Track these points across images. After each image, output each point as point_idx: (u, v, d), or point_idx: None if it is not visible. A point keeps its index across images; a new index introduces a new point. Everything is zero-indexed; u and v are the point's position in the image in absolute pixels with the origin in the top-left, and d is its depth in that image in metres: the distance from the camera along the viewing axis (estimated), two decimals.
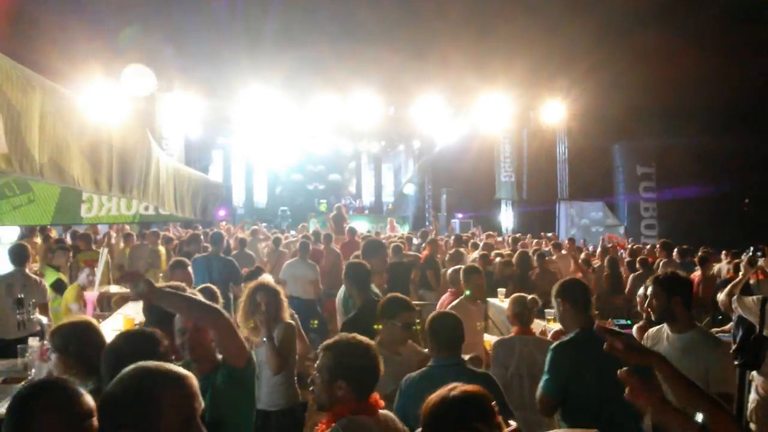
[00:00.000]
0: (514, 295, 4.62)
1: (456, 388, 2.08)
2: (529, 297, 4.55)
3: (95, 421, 1.72)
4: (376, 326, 3.67)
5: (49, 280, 6.40)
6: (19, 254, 6.08)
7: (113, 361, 2.43)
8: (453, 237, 12.67)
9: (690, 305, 3.70)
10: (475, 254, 10.28)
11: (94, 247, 9.11)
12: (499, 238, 15.08)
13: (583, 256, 10.92)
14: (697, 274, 9.64)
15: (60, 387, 1.77)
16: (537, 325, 6.79)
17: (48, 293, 6.40)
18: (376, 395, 2.53)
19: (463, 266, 5.71)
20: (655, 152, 21.01)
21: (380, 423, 2.45)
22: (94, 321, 3.12)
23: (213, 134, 22.09)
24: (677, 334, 3.58)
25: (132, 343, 2.55)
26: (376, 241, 5.83)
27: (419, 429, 2.11)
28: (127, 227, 10.93)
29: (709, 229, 12.37)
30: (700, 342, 3.55)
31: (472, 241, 12.43)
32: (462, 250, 9.62)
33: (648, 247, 12.89)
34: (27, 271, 6.20)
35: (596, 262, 10.75)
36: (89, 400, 1.77)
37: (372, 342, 2.64)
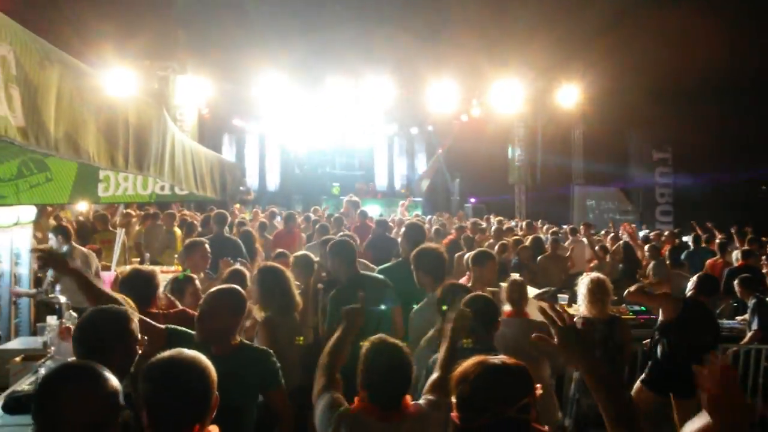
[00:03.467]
0: (510, 279, 4.62)
1: (492, 358, 2.03)
2: (518, 279, 4.56)
3: (120, 399, 1.77)
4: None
5: None
6: (66, 231, 6.58)
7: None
8: (470, 222, 12.65)
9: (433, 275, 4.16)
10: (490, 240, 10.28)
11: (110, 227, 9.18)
12: (513, 223, 15.03)
13: (601, 241, 10.86)
14: (720, 261, 9.52)
15: (87, 369, 1.79)
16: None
17: (96, 262, 6.80)
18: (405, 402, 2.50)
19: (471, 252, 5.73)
20: (671, 137, 20.77)
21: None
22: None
23: (226, 117, 22.12)
24: None
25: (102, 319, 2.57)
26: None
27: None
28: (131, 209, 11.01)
29: (725, 216, 12.22)
30: None
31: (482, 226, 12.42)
32: (469, 234, 9.63)
33: (667, 233, 12.76)
34: (76, 245, 6.65)
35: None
36: (114, 381, 1.79)
37: (400, 344, 2.61)
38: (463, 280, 5.51)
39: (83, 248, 6.76)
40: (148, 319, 2.90)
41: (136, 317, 2.59)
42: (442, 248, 4.56)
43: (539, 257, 9.10)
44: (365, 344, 2.57)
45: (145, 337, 2.55)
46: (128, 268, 4.10)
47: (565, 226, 14.62)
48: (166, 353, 2.00)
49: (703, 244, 10.64)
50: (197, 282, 4.55)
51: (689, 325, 4.93)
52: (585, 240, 10.51)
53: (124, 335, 2.45)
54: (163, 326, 2.91)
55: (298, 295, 4.05)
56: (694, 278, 5.35)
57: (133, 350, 2.48)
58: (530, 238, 9.85)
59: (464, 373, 1.99)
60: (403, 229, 5.72)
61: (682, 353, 4.85)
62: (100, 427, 1.69)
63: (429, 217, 16.01)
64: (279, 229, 10.03)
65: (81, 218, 10.03)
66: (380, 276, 4.66)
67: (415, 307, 4.29)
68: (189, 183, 4.17)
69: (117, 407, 1.74)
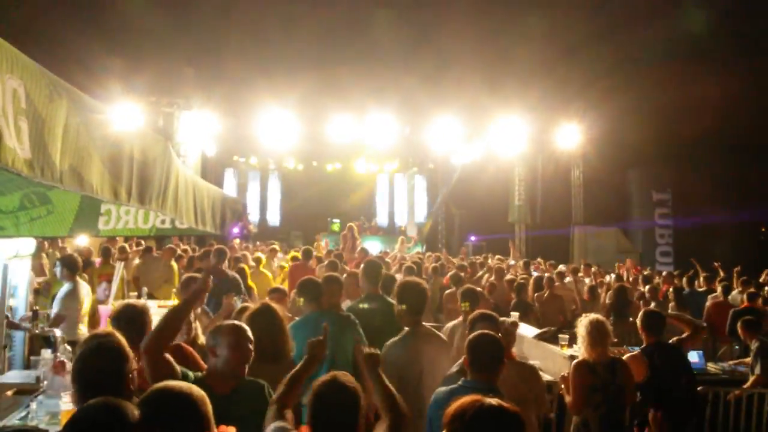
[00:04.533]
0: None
1: (489, 400, 2.00)
2: (509, 321, 4.52)
3: None
4: None
5: (54, 290, 6.68)
6: (75, 265, 6.40)
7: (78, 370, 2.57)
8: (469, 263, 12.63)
9: (412, 310, 4.17)
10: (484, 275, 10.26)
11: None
12: (512, 262, 14.98)
13: (589, 283, 10.81)
14: (722, 300, 9.43)
15: (112, 405, 1.91)
16: (548, 349, 6.75)
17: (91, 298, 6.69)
18: None
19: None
20: (671, 178, 20.89)
21: None
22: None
23: (229, 153, 22.29)
24: None
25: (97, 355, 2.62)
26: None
27: None
28: (142, 242, 11.03)
29: (725, 257, 12.22)
30: None
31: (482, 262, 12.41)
32: (461, 273, 9.61)
33: (665, 274, 12.73)
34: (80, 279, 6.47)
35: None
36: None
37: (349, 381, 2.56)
38: (459, 320, 5.48)
39: (85, 283, 6.69)
40: (171, 360, 2.91)
41: (131, 355, 2.66)
42: (425, 284, 4.50)
43: (537, 301, 9.07)
44: (316, 381, 2.53)
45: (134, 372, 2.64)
46: (121, 302, 4.07)
47: (562, 266, 14.57)
48: (156, 386, 2.20)
49: (702, 287, 10.58)
50: (191, 315, 4.51)
51: (660, 374, 4.83)
52: (587, 280, 10.48)
53: (123, 375, 2.54)
54: (179, 369, 2.90)
55: (288, 340, 3.91)
56: (638, 322, 5.21)
57: (131, 386, 2.57)
58: (533, 278, 9.82)
59: (460, 411, 1.97)
60: (362, 266, 5.65)
61: (666, 403, 4.80)
62: None
63: (431, 254, 15.96)
64: (297, 263, 10.05)
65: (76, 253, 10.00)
66: (346, 314, 4.65)
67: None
68: (189, 217, 4.19)
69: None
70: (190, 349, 3.75)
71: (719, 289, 9.68)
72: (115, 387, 2.39)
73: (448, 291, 8.52)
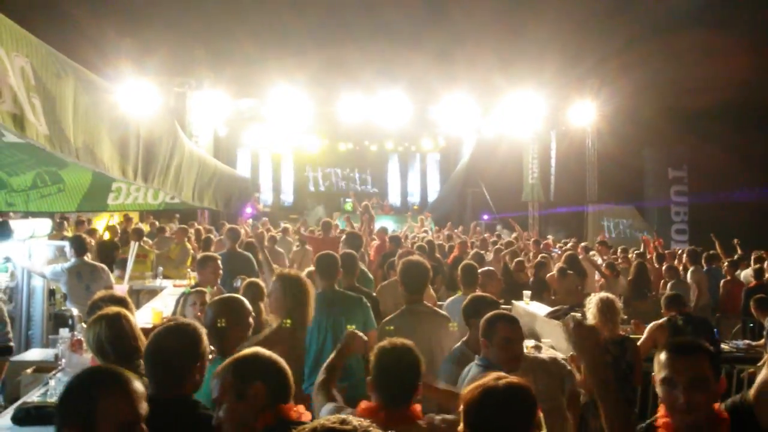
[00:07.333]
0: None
1: (501, 378, 1.98)
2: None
3: (145, 405, 1.84)
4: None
5: None
6: (80, 245, 6.46)
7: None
8: (480, 239, 12.57)
9: (411, 289, 4.11)
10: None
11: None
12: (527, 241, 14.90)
13: (604, 259, 10.73)
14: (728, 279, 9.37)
15: (115, 373, 1.86)
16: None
17: (111, 279, 6.74)
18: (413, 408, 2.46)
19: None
20: (687, 155, 20.60)
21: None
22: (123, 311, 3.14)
23: (241, 133, 22.32)
24: None
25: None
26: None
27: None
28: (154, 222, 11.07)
29: (741, 235, 12.07)
30: None
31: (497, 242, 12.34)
32: (483, 252, 9.56)
33: (679, 252, 12.61)
34: (88, 259, 6.53)
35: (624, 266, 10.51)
36: (139, 383, 1.87)
37: (409, 345, 2.57)
38: None
39: (95, 263, 6.74)
40: None
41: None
42: (426, 263, 4.37)
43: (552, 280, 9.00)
44: (376, 348, 2.58)
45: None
46: (102, 292, 4.10)
47: (572, 243, 14.44)
48: None
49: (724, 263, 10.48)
50: (207, 296, 4.55)
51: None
52: (599, 259, 10.38)
53: (198, 355, 2.50)
54: None
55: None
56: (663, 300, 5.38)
57: (204, 368, 2.53)
58: (565, 256, 9.74)
59: (479, 390, 1.96)
60: (343, 237, 5.63)
61: None
62: (132, 426, 1.77)
63: (448, 233, 15.91)
64: (318, 236, 9.98)
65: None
66: (358, 295, 4.43)
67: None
68: (187, 194, 4.19)
69: (143, 407, 1.83)
70: None
71: (725, 267, 9.60)
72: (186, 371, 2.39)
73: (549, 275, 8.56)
